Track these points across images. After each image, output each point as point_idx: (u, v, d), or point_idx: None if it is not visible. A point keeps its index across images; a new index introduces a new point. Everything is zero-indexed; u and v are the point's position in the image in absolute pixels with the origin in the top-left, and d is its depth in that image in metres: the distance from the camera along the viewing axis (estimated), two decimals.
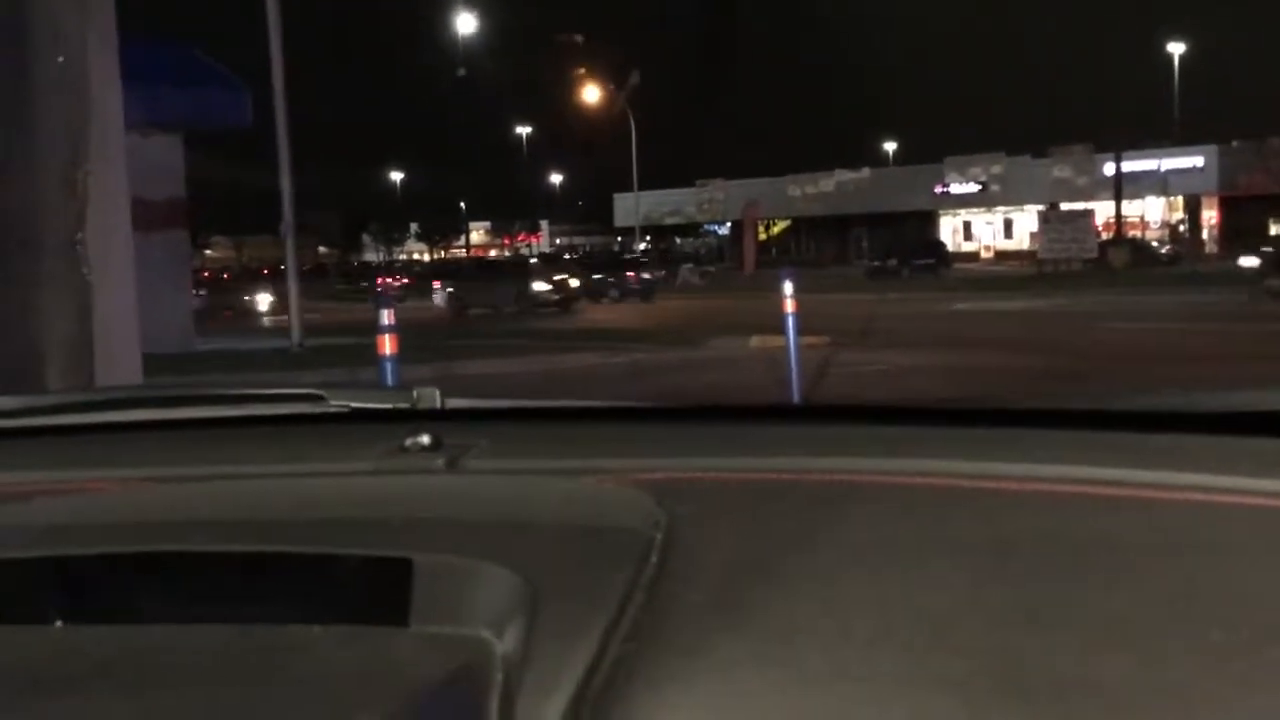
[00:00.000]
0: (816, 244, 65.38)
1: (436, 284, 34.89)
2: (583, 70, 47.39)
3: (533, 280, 31.72)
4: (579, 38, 48.98)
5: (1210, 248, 53.06)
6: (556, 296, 30.85)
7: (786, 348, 10.11)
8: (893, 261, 45.20)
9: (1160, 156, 53.82)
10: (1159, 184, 52.87)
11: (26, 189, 3.80)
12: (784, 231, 70.31)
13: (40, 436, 1.32)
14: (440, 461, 1.10)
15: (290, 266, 19.01)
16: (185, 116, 16.95)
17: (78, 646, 0.74)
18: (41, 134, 3.83)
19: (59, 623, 0.79)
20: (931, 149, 63.04)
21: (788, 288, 10.34)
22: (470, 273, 36.44)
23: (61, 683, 0.68)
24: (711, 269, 52.52)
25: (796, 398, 9.66)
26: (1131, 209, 54.82)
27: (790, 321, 10.18)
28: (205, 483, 1.09)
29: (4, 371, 3.76)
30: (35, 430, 1.33)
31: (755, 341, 16.36)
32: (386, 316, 8.97)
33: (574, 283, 32.50)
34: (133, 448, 1.27)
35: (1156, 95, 57.99)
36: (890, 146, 72.96)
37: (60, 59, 3.81)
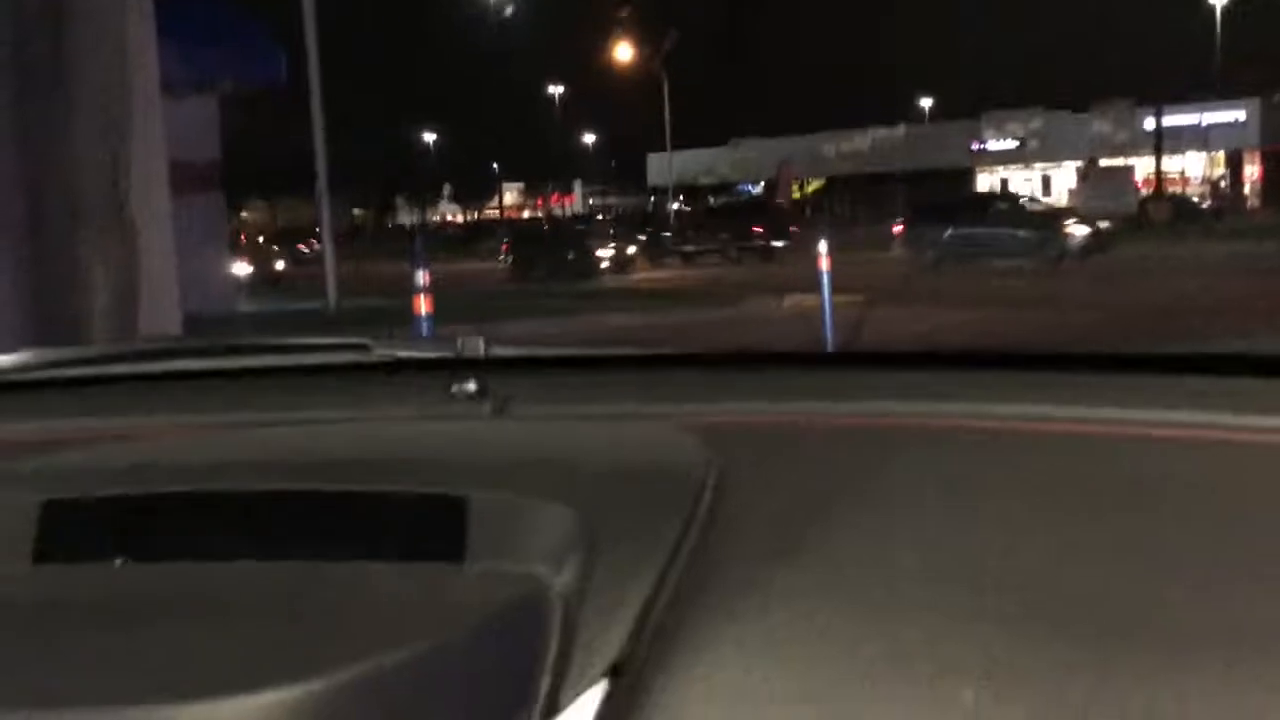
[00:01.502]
0: (851, 202, 64.89)
1: (505, 245, 33.92)
2: (619, 29, 47.03)
3: (597, 242, 30.91)
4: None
5: (1252, 202, 52.28)
6: (618, 258, 30.04)
7: (821, 306, 10.08)
8: None
9: (1201, 110, 53.00)
10: (1200, 138, 52.09)
11: (67, 152, 3.83)
12: (819, 190, 69.82)
13: (99, 385, 1.34)
14: (487, 408, 1.11)
15: (325, 228, 19.10)
16: (219, 76, 16.95)
17: (143, 583, 0.75)
18: (80, 97, 3.85)
19: (119, 561, 0.80)
20: (968, 105, 62.32)
21: (822, 246, 10.29)
22: (535, 234, 35.44)
23: (129, 617, 0.69)
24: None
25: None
26: (1172, 164, 54.05)
27: (825, 279, 10.14)
28: (255, 428, 1.10)
29: (51, 333, 3.80)
30: (93, 379, 1.35)
31: (790, 300, 16.30)
32: (422, 277, 9.00)
33: (631, 248, 31.68)
34: (187, 395, 1.29)
35: (1198, 49, 57.00)
36: (926, 103, 72.14)
37: (96, 20, 3.82)
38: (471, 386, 1.13)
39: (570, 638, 0.69)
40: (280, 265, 31.47)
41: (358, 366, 1.36)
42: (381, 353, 1.34)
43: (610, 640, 0.69)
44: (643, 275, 28.09)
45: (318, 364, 1.37)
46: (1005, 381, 1.16)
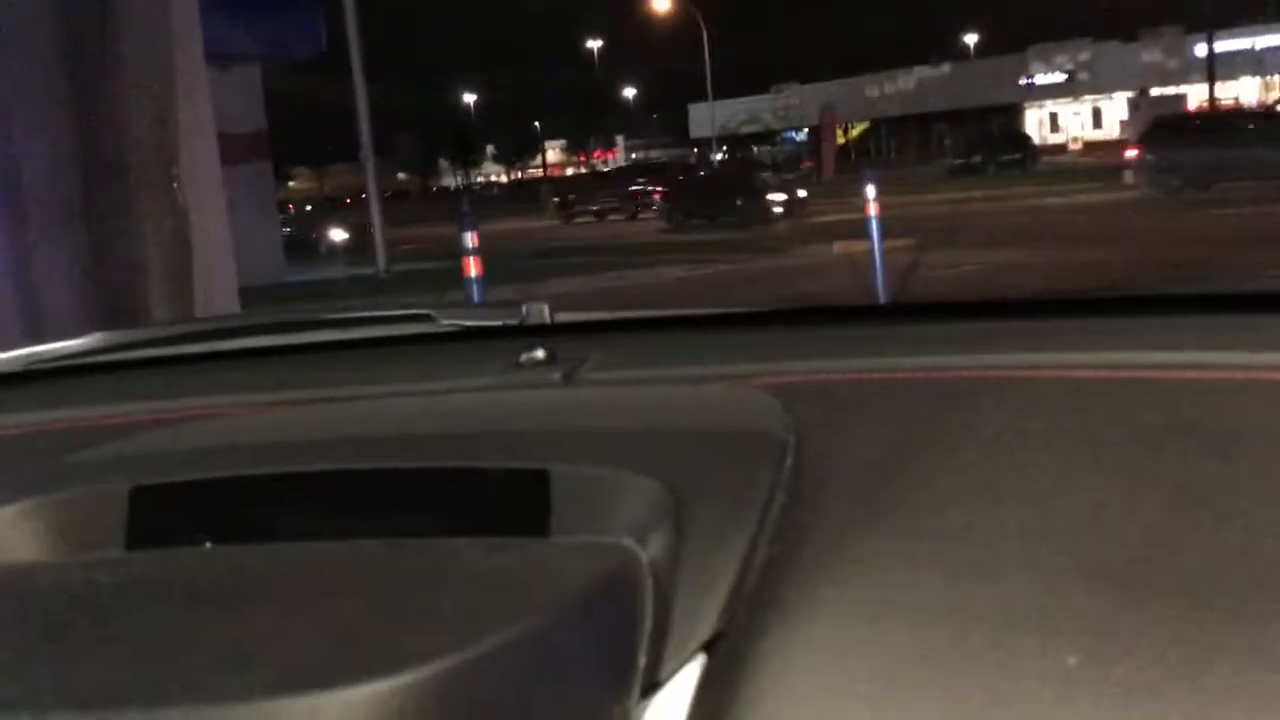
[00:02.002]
0: (897, 145, 64.21)
1: (657, 195, 31.88)
2: None
3: (764, 190, 28.44)
4: None
5: None
6: (784, 205, 27.82)
7: (871, 252, 9.98)
8: (977, 158, 44.07)
9: (1255, 34, 51.75)
10: (1254, 63, 50.88)
11: (118, 124, 3.85)
12: (863, 134, 69.10)
13: (171, 365, 1.34)
14: (556, 375, 1.09)
15: (371, 193, 19.18)
16: (262, 45, 17.03)
17: (232, 565, 0.75)
18: (128, 70, 3.87)
19: (209, 545, 0.81)
20: (1014, 39, 61.27)
21: (870, 191, 10.17)
22: (691, 183, 32.31)
23: (218, 600, 0.69)
24: (790, 176, 51.90)
25: (883, 301, 9.55)
26: (1225, 91, 52.86)
27: (874, 225, 10.03)
28: (337, 404, 1.10)
29: (107, 305, 3.85)
30: (165, 360, 1.35)
31: (839, 247, 16.19)
32: (470, 239, 9.01)
33: (801, 192, 29.63)
34: (259, 372, 1.29)
35: None
36: (971, 39, 71.00)
37: None
38: (540, 354, 1.12)
39: (665, 610, 0.68)
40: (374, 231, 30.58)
41: (424, 337, 1.35)
42: (447, 322, 1.33)
43: (706, 611, 0.67)
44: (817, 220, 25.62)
45: (384, 336, 1.37)
46: (1081, 328, 1.13)
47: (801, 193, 29.45)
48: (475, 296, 8.81)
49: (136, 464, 0.93)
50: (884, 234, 10.13)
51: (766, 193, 28.11)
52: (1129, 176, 25.70)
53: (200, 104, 4.63)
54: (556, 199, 38.86)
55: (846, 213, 13.40)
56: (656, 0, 48.48)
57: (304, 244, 27.24)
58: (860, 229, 10.77)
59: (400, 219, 30.94)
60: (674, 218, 28.33)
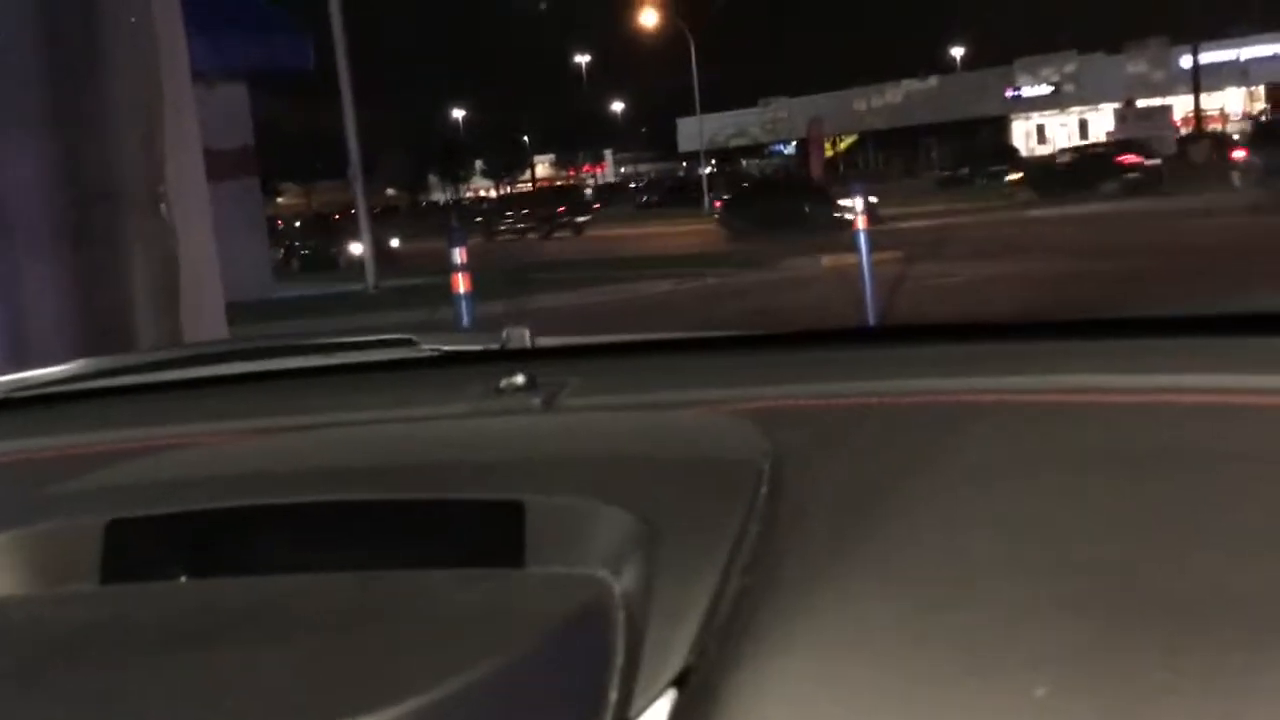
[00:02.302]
0: (884, 157, 64.46)
1: (718, 204, 31.85)
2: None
3: (833, 197, 27.28)
4: None
5: None
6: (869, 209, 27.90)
7: (859, 265, 10.01)
8: (964, 170, 44.30)
9: (1239, 46, 52.09)
10: (1239, 74, 51.23)
11: (102, 143, 3.84)
12: (851, 147, 69.33)
13: (142, 394, 1.34)
14: (536, 401, 1.09)
15: (360, 210, 19.18)
16: (249, 63, 17.04)
17: (205, 602, 0.75)
18: (113, 87, 3.86)
19: (184, 578, 0.80)
20: (1001, 52, 61.57)
21: (858, 204, 10.21)
22: (749, 195, 31.98)
23: (191, 637, 0.68)
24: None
25: (872, 315, 9.57)
26: (1211, 102, 53.21)
27: (862, 238, 10.06)
28: (313, 432, 1.10)
29: (94, 324, 3.83)
30: (136, 388, 1.35)
31: (828, 260, 16.23)
32: (459, 255, 9.01)
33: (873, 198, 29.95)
34: (236, 400, 1.28)
35: None
36: (957, 52, 71.35)
37: (126, 10, 3.83)
38: (520, 379, 1.11)
39: (637, 644, 0.67)
40: (396, 243, 28.90)
41: (404, 362, 1.35)
42: (427, 347, 1.33)
43: (677, 645, 0.67)
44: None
45: (364, 361, 1.37)
46: (1066, 351, 1.12)
47: (873, 199, 28.73)
48: (464, 312, 8.82)
49: (113, 496, 0.93)
50: (873, 246, 10.17)
51: (838, 198, 26.78)
52: (1235, 179, 25.39)
53: (187, 121, 4.62)
54: (479, 219, 40.06)
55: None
56: (644, 16, 48.69)
57: (325, 259, 26.53)
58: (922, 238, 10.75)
59: (390, 234, 30.84)
60: (733, 226, 27.43)
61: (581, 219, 37.64)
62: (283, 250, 31.71)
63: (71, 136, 3.87)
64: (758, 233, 25.33)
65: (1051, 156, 37.98)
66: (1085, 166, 31.45)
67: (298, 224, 41.64)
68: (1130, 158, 30.93)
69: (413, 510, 0.82)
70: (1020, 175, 34.64)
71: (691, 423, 1.01)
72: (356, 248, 25.58)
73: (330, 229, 31.76)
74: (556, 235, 34.91)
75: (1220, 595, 0.67)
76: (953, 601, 0.68)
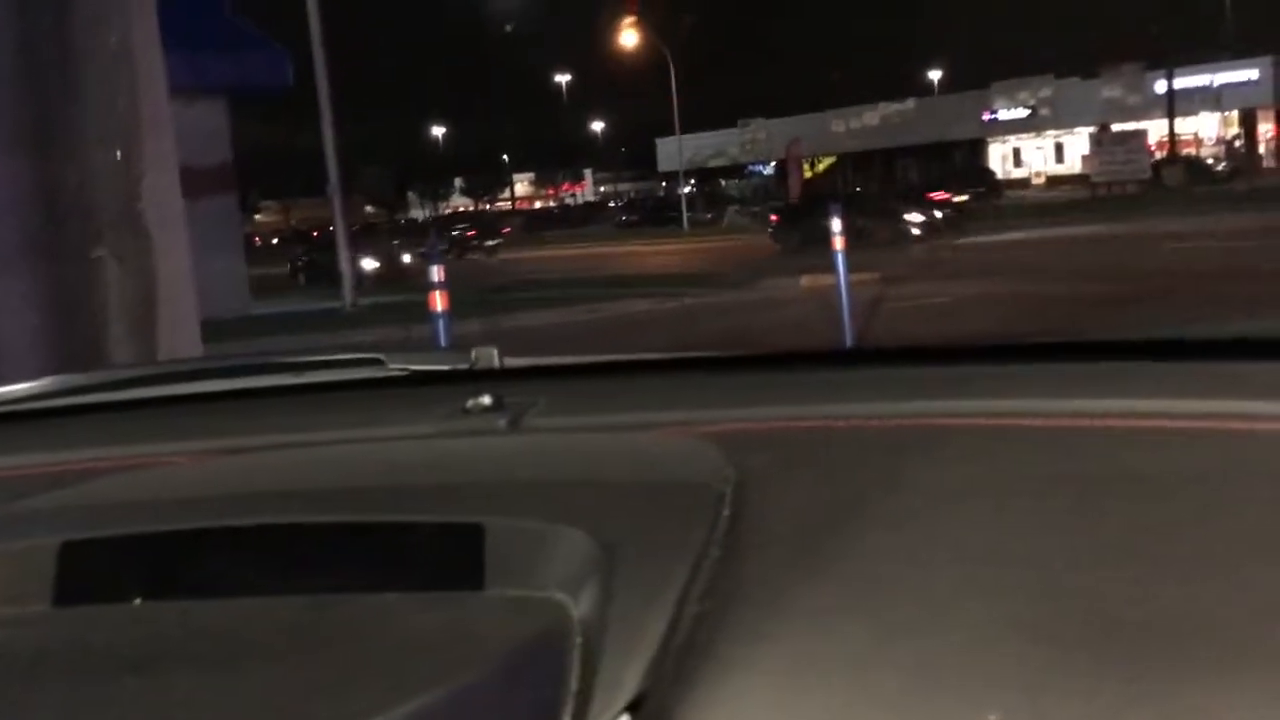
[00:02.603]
0: (862, 179, 64.62)
1: (774, 217, 30.58)
2: (631, 19, 46.71)
3: (903, 209, 26.59)
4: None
5: (1268, 162, 51.85)
6: (923, 227, 25.99)
7: (837, 286, 10.02)
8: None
9: (1213, 71, 52.53)
10: (1213, 99, 51.66)
11: (78, 161, 3.83)
12: (829, 168, 69.54)
13: (108, 412, 1.33)
14: (502, 421, 1.09)
15: (339, 227, 19.11)
16: (227, 80, 17.00)
17: (157, 626, 0.74)
18: (89, 106, 3.85)
19: (138, 600, 0.80)
20: (977, 75, 61.93)
21: (835, 225, 10.23)
22: (804, 208, 29.46)
23: (144, 662, 0.68)
24: (757, 209, 51.99)
25: (849, 336, 9.59)
26: (1185, 126, 53.62)
27: (840, 259, 10.08)
28: (273, 452, 1.09)
29: (70, 341, 3.82)
30: (102, 406, 1.34)
31: (806, 281, 16.26)
32: (436, 273, 8.98)
33: (937, 213, 28.06)
34: (201, 420, 1.28)
35: (1207, 7, 56.48)
36: (935, 75, 71.74)
37: (103, 29, 3.82)
38: (487, 400, 1.11)
39: (592, 669, 0.67)
40: (407, 258, 28.18)
41: (373, 382, 1.35)
42: (395, 367, 1.33)
43: (633, 668, 0.66)
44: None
45: (332, 381, 1.37)
46: (1029, 375, 1.13)
47: (937, 213, 27.61)
48: (441, 331, 8.78)
49: (69, 517, 0.92)
50: (850, 267, 10.19)
51: (902, 212, 26.12)
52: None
53: (164, 138, 4.60)
54: (395, 241, 40.15)
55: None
56: (625, 36, 48.76)
57: (334, 273, 25.68)
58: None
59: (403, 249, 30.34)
60: (787, 240, 26.09)
61: (492, 242, 42.09)
62: (290, 264, 31.59)
63: (47, 152, 3.86)
64: (815, 248, 23.87)
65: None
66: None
67: (315, 235, 41.28)
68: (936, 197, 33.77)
69: (372, 533, 0.82)
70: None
71: (656, 445, 1.01)
72: (369, 263, 25.22)
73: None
74: (469, 256, 37.40)
75: (1180, 619, 0.67)
76: (911, 627, 0.68)
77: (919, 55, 69.65)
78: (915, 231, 25.58)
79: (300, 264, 31.34)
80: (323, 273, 25.57)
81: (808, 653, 0.67)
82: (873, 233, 24.75)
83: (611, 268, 25.47)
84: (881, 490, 0.85)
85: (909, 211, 27.18)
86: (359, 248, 29.52)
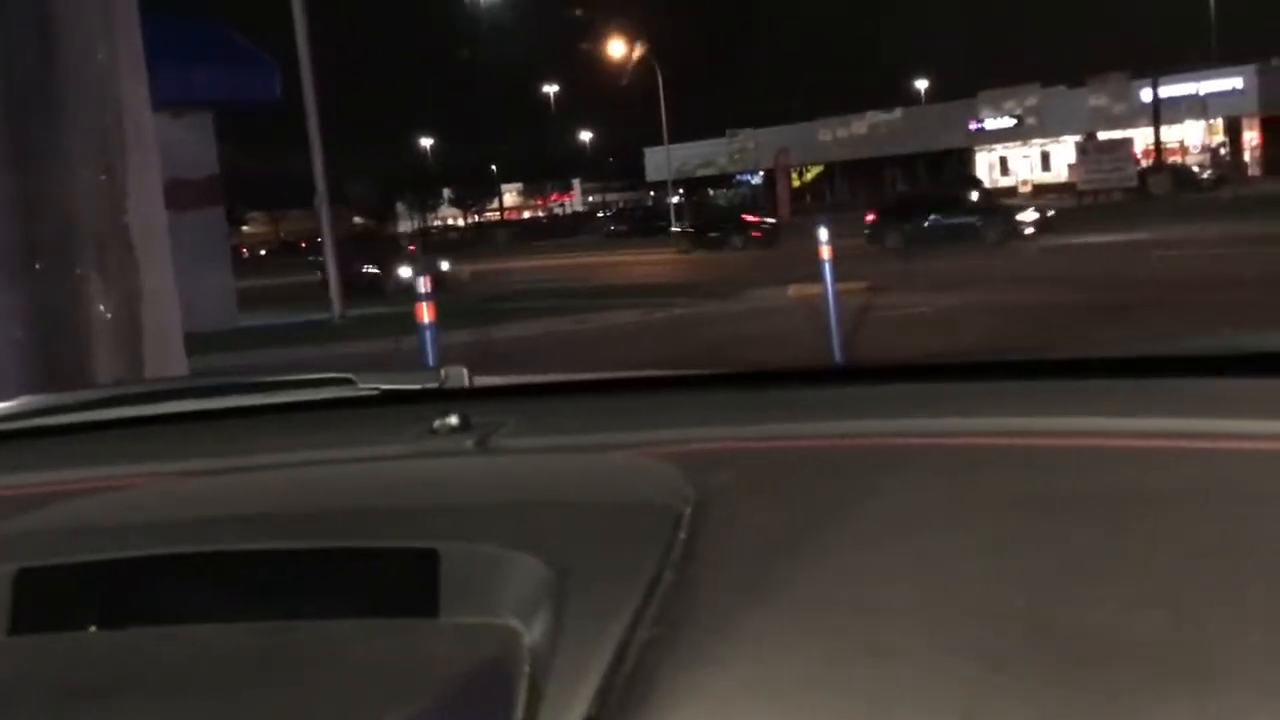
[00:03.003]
0: (850, 188, 64.76)
1: (870, 217, 28.50)
2: (607, 32, 46.87)
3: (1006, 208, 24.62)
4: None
5: (1253, 170, 52.08)
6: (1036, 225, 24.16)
7: (824, 296, 10.05)
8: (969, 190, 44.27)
9: (1198, 79, 52.77)
10: (1198, 107, 51.89)
11: (60, 178, 3.83)
12: (817, 177, 69.68)
13: (71, 434, 1.33)
14: (469, 442, 1.09)
15: (326, 238, 19.10)
16: (215, 93, 16.98)
17: (113, 653, 0.74)
18: (71, 123, 3.85)
19: (93, 629, 0.80)
20: (964, 84, 62.16)
21: (822, 234, 10.26)
22: (903, 207, 28.17)
23: (98, 691, 0.69)
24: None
25: (836, 346, 9.60)
26: (1171, 134, 53.82)
27: (827, 269, 10.10)
28: (235, 475, 1.09)
29: (54, 356, 3.81)
30: (66, 428, 1.34)
31: (793, 291, 16.29)
32: (423, 284, 8.97)
33: (1050, 211, 26.03)
34: (166, 441, 1.28)
35: (1192, 16, 56.79)
36: (922, 84, 71.97)
37: (88, 48, 3.82)
38: (454, 420, 1.12)
39: (539, 695, 0.67)
40: (445, 266, 26.42)
41: (342, 402, 1.35)
42: (366, 386, 1.33)
43: (580, 695, 0.67)
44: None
45: (302, 401, 1.37)
46: (988, 393, 1.14)
47: (1050, 212, 25.95)
48: (428, 343, 8.77)
49: (25, 543, 0.92)
50: (837, 276, 10.22)
51: (1014, 211, 24.41)
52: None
53: (149, 154, 4.60)
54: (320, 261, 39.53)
55: (801, 253, 13.45)
56: (613, 47, 48.84)
57: (369, 285, 24.73)
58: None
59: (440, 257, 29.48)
60: (886, 241, 24.68)
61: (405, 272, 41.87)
62: (319, 272, 30.33)
63: (28, 165, 3.86)
64: (917, 251, 22.31)
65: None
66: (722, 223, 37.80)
67: (360, 239, 40.42)
68: (752, 217, 37.30)
69: (329, 559, 0.82)
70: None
71: (618, 466, 1.02)
72: (405, 271, 23.30)
73: (371, 252, 29.53)
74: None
75: (1132, 639, 0.67)
76: (862, 653, 0.68)
77: (906, 65, 69.92)
78: (1029, 231, 23.69)
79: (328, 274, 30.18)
80: (364, 283, 24.52)
81: (758, 677, 0.67)
82: (978, 232, 23.18)
83: (600, 278, 25.49)
84: (841, 511, 0.85)
85: (1021, 210, 24.95)
86: (394, 256, 27.94)
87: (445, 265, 26.59)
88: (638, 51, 46.71)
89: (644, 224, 53.16)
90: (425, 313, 8.81)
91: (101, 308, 3.92)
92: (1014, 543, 0.79)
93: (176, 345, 4.85)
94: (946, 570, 0.76)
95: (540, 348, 13.42)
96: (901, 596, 0.74)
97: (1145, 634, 0.68)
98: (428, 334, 8.77)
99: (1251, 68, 52.65)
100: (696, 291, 18.79)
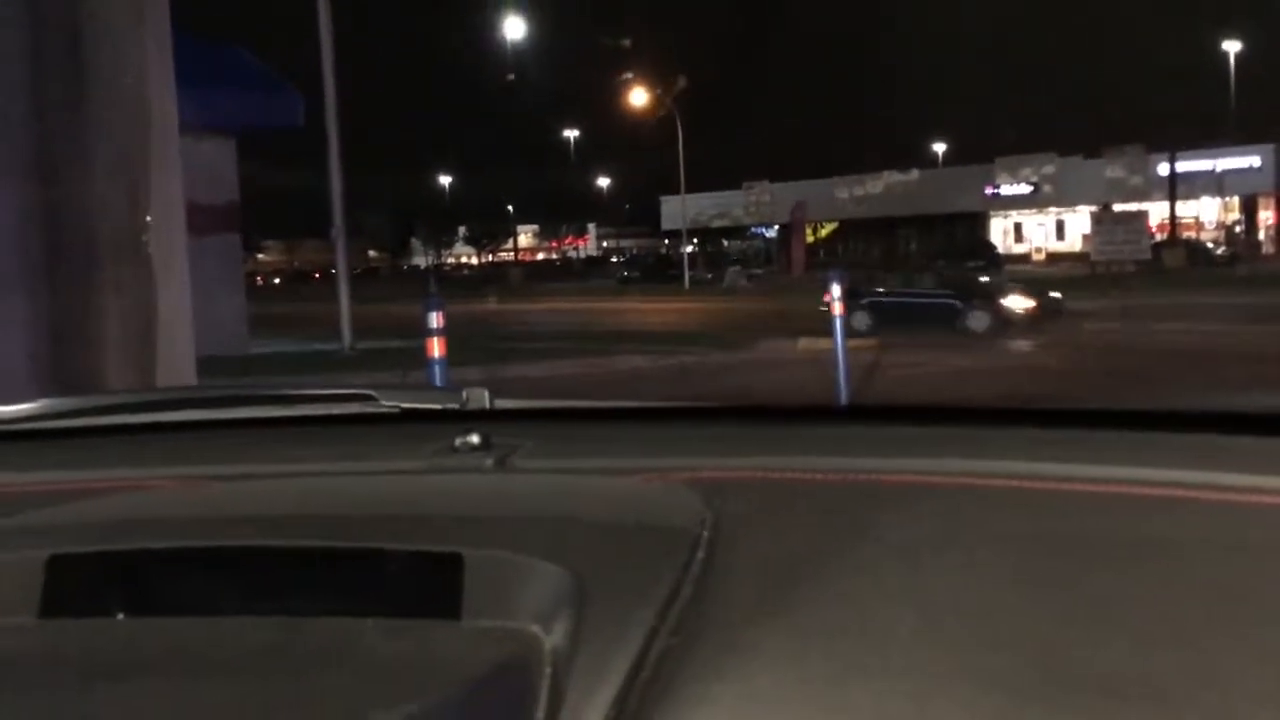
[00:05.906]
0: (864, 246, 65.05)
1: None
2: (630, 75, 47.40)
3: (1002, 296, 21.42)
4: (626, 41, 48.99)
5: (1267, 249, 52.25)
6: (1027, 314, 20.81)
7: (834, 350, 10.07)
8: (942, 263, 44.73)
9: (1215, 156, 53.09)
10: (1214, 184, 52.18)
11: (85, 192, 3.87)
12: (832, 234, 70.03)
13: (101, 436, 1.35)
14: (489, 461, 1.11)
15: (341, 270, 19.20)
16: (238, 119, 17.14)
17: (137, 639, 0.76)
18: (99, 138, 3.90)
19: (120, 615, 0.82)
20: (981, 150, 62.56)
21: (835, 290, 10.30)
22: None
23: (121, 673, 0.70)
24: (759, 271, 52.44)
25: (845, 400, 9.62)
26: (1186, 210, 54.14)
27: (838, 323, 10.13)
28: (261, 480, 1.11)
29: (67, 368, 3.83)
30: (96, 430, 1.36)
31: (804, 343, 16.32)
32: (435, 319, 9.02)
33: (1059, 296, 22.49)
34: (191, 447, 1.30)
35: (1211, 94, 57.19)
36: (939, 148, 72.49)
37: (116, 64, 3.87)
38: (475, 439, 1.14)
39: (559, 698, 0.69)
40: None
41: (363, 418, 1.37)
42: (387, 404, 1.35)
43: (598, 700, 0.69)
44: None
45: (323, 414, 1.39)
46: (1000, 438, 1.16)
47: (1056, 294, 22.12)
48: (437, 377, 8.80)
49: (58, 533, 0.94)
50: (849, 332, 10.25)
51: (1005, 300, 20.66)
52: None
53: (172, 174, 4.65)
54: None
55: (814, 308, 13.38)
56: (634, 95, 49.28)
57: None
58: None
59: (369, 296, 30.39)
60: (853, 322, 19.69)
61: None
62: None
63: (55, 183, 3.90)
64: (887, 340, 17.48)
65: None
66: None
67: (276, 281, 41.06)
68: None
69: (352, 559, 0.84)
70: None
71: (637, 488, 1.04)
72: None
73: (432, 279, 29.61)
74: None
75: (1129, 680, 0.69)
76: (866, 670, 0.70)
77: (925, 127, 70.47)
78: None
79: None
80: None
81: (766, 691, 0.69)
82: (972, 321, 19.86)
83: (610, 323, 25.57)
84: (851, 540, 0.88)
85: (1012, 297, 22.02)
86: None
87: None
88: (671, 92, 47.05)
89: (656, 271, 53.40)
90: (436, 347, 8.86)
91: (116, 323, 3.94)
92: (1016, 577, 0.82)
93: (188, 364, 4.87)
94: (949, 599, 0.79)
95: (547, 390, 13.43)
96: (905, 621, 0.76)
97: (1153, 669, 0.70)
98: (437, 369, 8.81)
99: (1269, 146, 52.97)
100: (706, 340, 18.83)
